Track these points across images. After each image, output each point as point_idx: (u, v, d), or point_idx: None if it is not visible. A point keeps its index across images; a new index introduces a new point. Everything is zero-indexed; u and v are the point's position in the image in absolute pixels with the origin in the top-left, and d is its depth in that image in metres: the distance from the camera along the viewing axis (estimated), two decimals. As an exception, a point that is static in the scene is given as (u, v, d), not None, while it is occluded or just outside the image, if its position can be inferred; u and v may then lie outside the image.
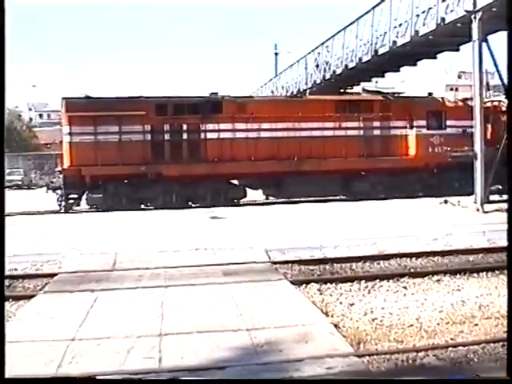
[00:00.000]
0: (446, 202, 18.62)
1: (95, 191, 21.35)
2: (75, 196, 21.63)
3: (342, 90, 28.87)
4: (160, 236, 13.57)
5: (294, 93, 32.87)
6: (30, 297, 8.85)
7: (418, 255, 11.44)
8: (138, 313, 7.38)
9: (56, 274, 10.23)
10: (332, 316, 7.55)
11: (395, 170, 23.55)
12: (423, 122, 24.04)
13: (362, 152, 23.46)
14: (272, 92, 39.33)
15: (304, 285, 9.27)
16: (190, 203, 21.84)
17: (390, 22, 22.75)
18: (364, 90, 27.85)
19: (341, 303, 8.33)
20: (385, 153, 23.70)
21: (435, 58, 24.55)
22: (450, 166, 23.59)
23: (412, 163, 23.70)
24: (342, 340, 6.26)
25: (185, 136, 22.34)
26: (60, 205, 21.65)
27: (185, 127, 22.24)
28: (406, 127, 24.04)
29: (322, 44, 29.89)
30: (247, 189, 23.29)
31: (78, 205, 21.93)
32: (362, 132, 23.67)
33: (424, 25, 20.39)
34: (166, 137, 22.21)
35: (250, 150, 22.19)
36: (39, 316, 7.46)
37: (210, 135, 22.21)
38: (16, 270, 11.24)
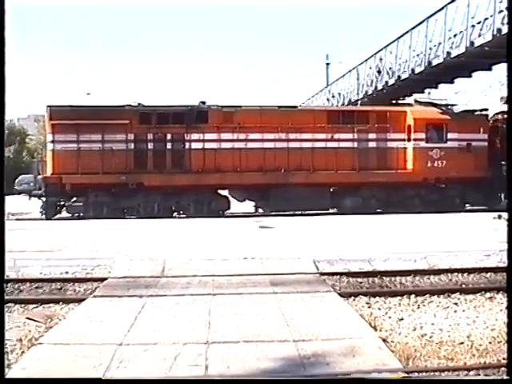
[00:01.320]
0: (499, 217, 18.17)
1: (76, 199, 21.54)
2: (60, 204, 21.77)
3: (393, 101, 28.53)
4: (208, 244, 13.64)
5: (345, 103, 32.71)
6: (80, 300, 9.00)
7: (469, 271, 11.16)
8: (185, 320, 7.41)
9: (106, 279, 10.39)
10: (380, 330, 7.44)
11: (390, 184, 22.85)
12: (422, 135, 23.19)
13: (354, 165, 22.79)
14: (323, 103, 39.21)
15: (352, 297, 9.18)
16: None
17: (444, 33, 22.34)
18: (416, 101, 27.43)
19: (389, 317, 8.21)
20: (379, 166, 22.98)
21: (490, 69, 23.89)
22: (452, 182, 22.97)
23: (409, 178, 22.89)
24: (390, 355, 6.15)
25: (169, 146, 22.21)
26: (41, 212, 21.85)
27: (169, 137, 22.18)
28: (403, 140, 23.27)
29: (375, 55, 29.67)
30: (236, 200, 23.05)
31: (59, 213, 21.98)
32: (355, 144, 23.00)
33: (480, 36, 20.00)
34: (150, 146, 22.16)
35: (235, 160, 21.89)
36: (89, 319, 7.57)
37: (194, 145, 22.09)
38: (67, 273, 11.49)
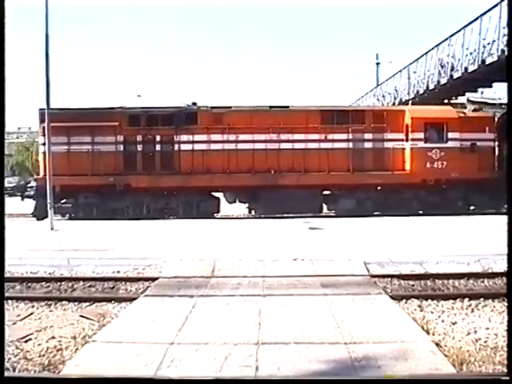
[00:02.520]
0: None
1: (65, 201, 21.84)
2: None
3: (446, 101, 28.04)
4: (258, 245, 13.66)
5: (396, 103, 32.34)
6: (132, 299, 9.12)
7: (526, 275, 10.87)
8: (235, 320, 7.42)
9: (157, 278, 10.50)
10: (433, 334, 7.30)
11: (387, 185, 22.24)
12: (420, 135, 22.41)
13: (348, 166, 22.21)
14: (373, 103, 38.84)
15: (404, 300, 9.05)
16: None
17: (498, 30, 21.82)
18: (469, 100, 26.91)
19: (442, 321, 8.05)
20: (376, 167, 22.31)
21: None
22: (453, 183, 22.20)
23: (407, 179, 22.12)
24: (443, 360, 6.03)
25: (158, 147, 22.21)
26: (33, 213, 22.22)
27: (158, 138, 22.17)
28: (401, 140, 22.54)
29: (426, 54, 29.23)
30: (226, 202, 22.80)
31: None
32: (350, 144, 22.39)
33: (537, 32, 19.45)
34: (139, 148, 22.26)
35: (225, 162, 21.69)
36: (140, 318, 7.66)
37: (183, 147, 22.08)
38: (119, 272, 11.67)
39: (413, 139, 22.25)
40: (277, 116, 22.10)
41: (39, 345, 7.31)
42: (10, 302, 9.73)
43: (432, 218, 19.40)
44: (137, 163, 22.15)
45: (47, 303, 9.55)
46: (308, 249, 12.81)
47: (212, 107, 22.63)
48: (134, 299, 9.03)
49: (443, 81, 26.78)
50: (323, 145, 22.11)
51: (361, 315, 7.67)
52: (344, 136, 22.25)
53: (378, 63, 49.23)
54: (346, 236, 15.26)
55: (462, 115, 22.86)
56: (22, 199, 23.13)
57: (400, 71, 33.70)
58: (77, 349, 6.93)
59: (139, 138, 22.19)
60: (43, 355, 6.88)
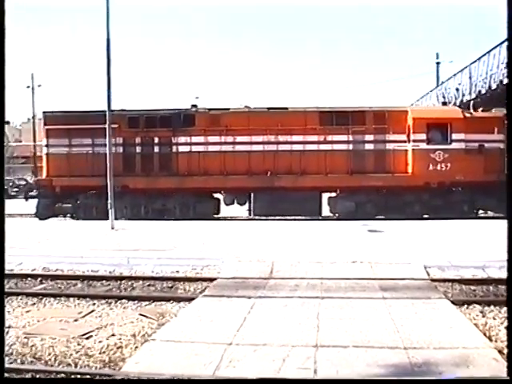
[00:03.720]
0: None
1: (65, 201, 22.33)
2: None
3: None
4: (316, 246, 13.59)
5: (457, 104, 31.65)
6: (191, 299, 9.20)
7: None
8: (293, 322, 7.39)
9: (215, 279, 10.56)
10: (496, 341, 7.09)
11: (388, 188, 21.57)
12: (422, 136, 21.53)
13: (347, 168, 21.65)
14: (433, 103, 38.12)
15: (465, 305, 8.84)
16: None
17: None
18: None
19: (506, 328, 7.83)
20: (377, 169, 21.65)
21: None
22: (458, 186, 21.48)
23: (408, 181, 21.37)
24: (506, 367, 5.86)
25: (156, 149, 22.34)
26: (35, 213, 22.82)
27: (156, 140, 22.29)
28: (402, 141, 21.71)
29: (489, 52, 28.48)
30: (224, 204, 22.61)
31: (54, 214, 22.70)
32: (350, 146, 21.83)
33: None
34: (138, 150, 22.51)
35: (222, 163, 21.58)
36: (199, 318, 7.71)
37: (181, 148, 22.15)
38: (178, 272, 11.79)
39: (414, 140, 21.54)
40: (275, 117, 21.87)
41: (100, 342, 7.44)
42: (71, 299, 9.97)
43: (482, 222, 18.90)
44: (135, 165, 22.50)
45: (107, 301, 9.73)
46: (367, 251, 12.67)
47: (210, 109, 22.70)
48: (193, 299, 9.11)
49: (506, 80, 26.04)
50: (322, 146, 21.75)
51: (421, 320, 7.53)
52: (344, 137, 21.81)
53: (438, 63, 48.12)
54: (406, 239, 15.02)
55: (468, 115, 21.96)
56: (26, 200, 23.84)
57: (461, 71, 32.97)
58: (136, 347, 7.02)
59: (138, 139, 22.55)
60: (104, 352, 7.00)
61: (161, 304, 9.42)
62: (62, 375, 6.27)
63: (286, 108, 22.37)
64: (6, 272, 12.21)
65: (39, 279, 11.66)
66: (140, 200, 22.13)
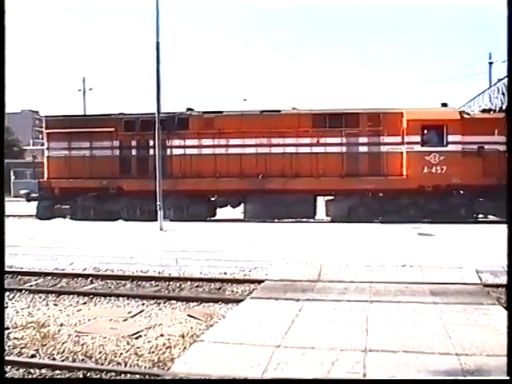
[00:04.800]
0: None
1: (64, 203, 22.91)
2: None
3: None
4: (365, 249, 13.44)
5: (503, 108, 30.83)
6: (239, 301, 9.21)
7: None
8: (342, 326, 7.33)
9: (263, 281, 10.56)
10: (552, 349, 6.90)
11: (381, 191, 21.06)
12: (416, 138, 20.78)
13: (340, 171, 21.15)
14: (486, 105, 37.30)
15: (520, 312, 8.62)
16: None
17: None
18: None
19: (562, 336, 7.61)
20: (371, 172, 21.00)
21: None
22: (455, 190, 20.68)
23: (402, 185, 20.66)
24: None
25: (151, 152, 22.18)
26: (36, 214, 23.47)
27: (151, 143, 22.04)
28: (397, 143, 21.00)
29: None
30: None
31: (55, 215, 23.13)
32: (343, 149, 21.28)
33: None
34: (133, 152, 22.82)
35: (215, 166, 21.49)
36: (247, 320, 7.71)
37: (175, 151, 22.29)
38: (225, 273, 11.83)
39: (408, 142, 20.90)
40: (267, 120, 21.66)
41: (149, 342, 7.51)
42: (121, 299, 10.11)
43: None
44: (131, 167, 22.82)
45: (156, 301, 9.83)
46: (417, 255, 12.46)
47: (204, 112, 22.62)
48: (241, 301, 9.13)
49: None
50: (315, 149, 21.41)
51: (473, 326, 7.37)
52: (337, 140, 21.39)
53: (490, 63, 46.89)
54: (456, 242, 14.73)
55: (466, 116, 21.20)
56: (28, 201, 24.43)
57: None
58: (185, 347, 7.06)
59: (134, 142, 22.87)
60: (153, 352, 7.06)
61: (209, 305, 9.46)
62: (113, 374, 6.36)
63: (279, 110, 22.24)
64: (57, 271, 12.54)
65: (90, 279, 11.87)
66: (135, 202, 22.47)
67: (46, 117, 24.91)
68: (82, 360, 6.88)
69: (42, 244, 15.46)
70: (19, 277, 12.25)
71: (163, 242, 15.46)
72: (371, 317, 7.75)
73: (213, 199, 22.73)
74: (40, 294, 10.58)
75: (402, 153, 20.85)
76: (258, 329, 7.25)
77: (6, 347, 7.40)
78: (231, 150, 21.75)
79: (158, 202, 18.42)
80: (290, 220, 20.33)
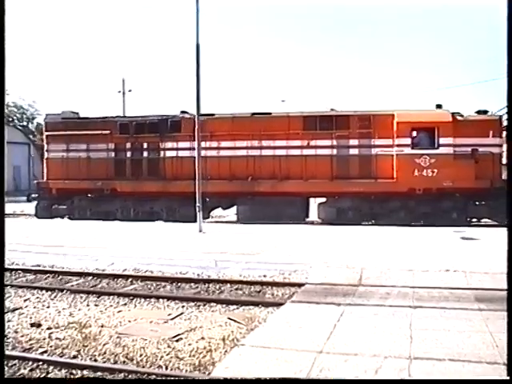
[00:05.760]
0: None
1: (61, 203, 23.67)
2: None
3: None
4: (407, 253, 13.23)
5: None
6: (279, 304, 9.14)
7: None
8: (385, 332, 7.19)
9: (303, 284, 10.46)
10: None
11: (370, 194, 20.71)
12: (406, 140, 20.48)
13: (330, 173, 21.02)
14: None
15: None
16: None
17: None
18: None
19: None
20: (362, 175, 20.84)
21: None
22: (446, 193, 20.12)
23: (392, 188, 20.44)
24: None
25: (145, 154, 23.11)
26: (35, 213, 24.33)
27: (145, 145, 23.04)
28: (387, 146, 20.67)
29: None
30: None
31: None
32: (334, 151, 21.21)
33: None
34: (128, 154, 23.36)
35: (206, 168, 21.19)
36: (288, 324, 7.63)
37: (168, 153, 22.75)
38: (265, 276, 11.76)
39: (398, 145, 20.63)
40: (258, 123, 21.68)
41: (189, 344, 7.49)
42: (161, 300, 10.13)
43: None
44: (126, 169, 23.31)
45: (196, 304, 9.82)
46: (461, 260, 12.20)
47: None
48: (281, 304, 9.05)
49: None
50: (305, 151, 21.44)
51: (521, 334, 7.15)
52: (327, 142, 21.32)
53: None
54: (503, 247, 14.37)
55: (460, 118, 20.54)
56: (29, 201, 25.59)
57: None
58: (226, 351, 7.02)
59: (128, 145, 23.34)
60: (193, 355, 7.03)
61: (249, 308, 9.41)
62: (154, 377, 6.34)
63: (270, 113, 22.21)
64: (99, 272, 12.64)
65: (130, 280, 11.92)
66: (129, 203, 22.98)
67: (46, 119, 25.68)
68: (124, 362, 6.89)
69: (82, 244, 15.60)
70: (60, 276, 12.41)
71: (202, 244, 15.48)
72: (415, 323, 7.59)
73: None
74: (81, 294, 10.69)
75: (392, 155, 20.66)
76: (300, 333, 7.16)
77: (48, 347, 7.49)
78: (222, 153, 22.08)
79: (197, 204, 18.44)
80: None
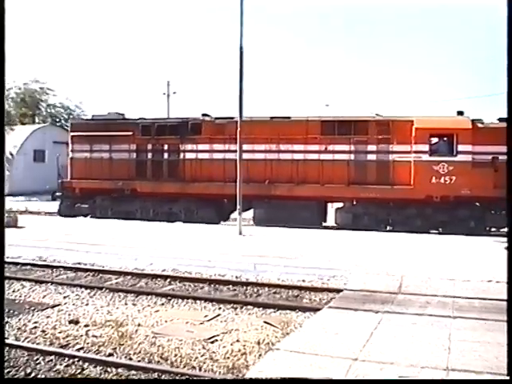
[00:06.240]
0: None
1: (84, 202, 24.13)
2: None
3: None
4: (447, 262, 13.00)
5: None
6: (316, 310, 9.07)
7: None
8: (422, 341, 7.05)
9: (341, 290, 10.36)
10: None
11: (387, 200, 20.25)
12: (424, 147, 19.95)
13: (347, 178, 20.70)
14: None
15: None
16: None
17: None
18: None
19: None
20: (377, 181, 20.46)
21: None
22: (464, 201, 19.48)
23: (409, 194, 19.96)
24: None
25: (165, 156, 23.42)
26: (58, 211, 24.92)
27: (166, 147, 23.33)
28: (405, 152, 20.15)
29: None
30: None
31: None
32: (352, 156, 20.88)
33: None
34: (149, 156, 23.63)
35: (224, 171, 21.56)
36: (324, 330, 7.54)
37: (188, 155, 22.85)
38: (304, 281, 11.70)
39: (416, 151, 20.14)
40: (277, 126, 21.48)
41: (224, 347, 7.48)
42: (198, 302, 10.16)
43: None
44: (146, 170, 23.58)
45: (233, 306, 9.82)
46: (503, 270, 11.90)
47: (215, 118, 23.04)
48: (318, 310, 8.98)
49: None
50: (322, 156, 21.17)
51: None
52: (345, 147, 21.03)
53: None
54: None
55: (480, 126, 19.92)
56: (53, 200, 26.03)
57: None
58: (260, 355, 6.99)
59: (149, 146, 23.62)
60: (228, 357, 7.03)
61: (286, 313, 9.37)
62: (187, 377, 6.35)
63: (289, 117, 22.03)
64: (138, 271, 12.75)
65: (168, 280, 12.00)
66: (148, 203, 23.24)
67: (71, 120, 26.81)
68: (158, 362, 6.92)
69: (122, 244, 15.75)
70: (100, 275, 12.55)
71: (241, 247, 15.48)
72: (454, 333, 7.43)
73: (223, 203, 23.04)
74: (120, 293, 10.80)
75: (409, 162, 20.24)
76: (336, 340, 7.08)
77: (85, 344, 7.57)
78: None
79: (238, 207, 18.45)
80: (366, 228, 19.94)
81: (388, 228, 20.61)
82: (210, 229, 20.00)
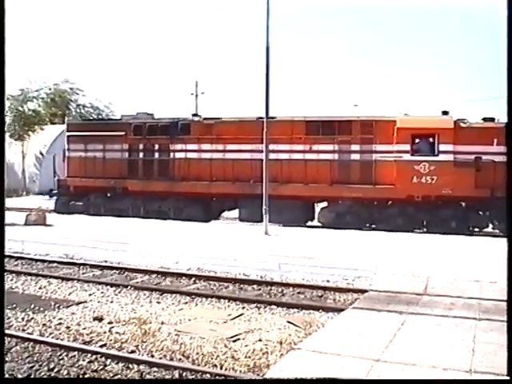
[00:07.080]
0: None
1: (78, 200, 24.67)
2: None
3: None
4: (475, 264, 12.81)
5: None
6: (340, 310, 9.02)
7: None
8: (446, 343, 6.96)
9: (366, 291, 10.29)
10: None
11: (369, 200, 20.29)
12: (406, 147, 19.85)
13: (330, 178, 20.80)
14: None
15: None
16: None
17: None
18: None
19: None
20: (359, 180, 20.50)
21: None
22: (446, 201, 19.30)
23: (391, 194, 20.06)
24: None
25: (156, 155, 23.90)
26: (54, 209, 25.19)
27: (156, 147, 23.80)
28: (388, 152, 20.04)
29: None
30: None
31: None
32: (335, 156, 20.96)
33: None
34: (140, 155, 24.13)
35: (211, 170, 22.11)
36: (347, 331, 7.50)
37: (177, 155, 23.21)
38: (328, 281, 11.66)
39: (398, 151, 20.09)
40: (263, 126, 20.64)
41: (246, 346, 7.48)
42: (222, 301, 10.18)
43: None
44: (138, 169, 24.05)
45: (257, 306, 9.82)
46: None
47: (204, 118, 23.52)
48: (342, 310, 8.93)
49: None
50: (307, 155, 21.32)
51: None
52: (329, 147, 21.10)
53: None
54: None
55: (463, 125, 19.78)
56: (50, 197, 26.54)
57: None
58: (282, 354, 6.98)
59: (141, 146, 24.08)
60: (249, 357, 7.02)
61: (309, 313, 9.34)
62: (208, 376, 6.36)
63: (275, 117, 21.63)
64: (163, 270, 12.82)
65: (193, 279, 12.04)
66: (139, 201, 23.63)
67: (68, 121, 27.51)
68: (180, 359, 6.95)
69: (146, 242, 15.83)
70: (126, 273, 12.66)
71: (267, 246, 15.46)
72: (478, 336, 7.33)
73: (210, 201, 23.34)
74: (144, 291, 10.88)
75: (392, 162, 20.18)
76: (358, 340, 7.03)
77: (108, 341, 7.63)
78: (227, 155, 22.30)
79: (264, 207, 18.43)
80: (389, 228, 19.80)
81: (372, 227, 20.73)
82: (237, 228, 20.04)
